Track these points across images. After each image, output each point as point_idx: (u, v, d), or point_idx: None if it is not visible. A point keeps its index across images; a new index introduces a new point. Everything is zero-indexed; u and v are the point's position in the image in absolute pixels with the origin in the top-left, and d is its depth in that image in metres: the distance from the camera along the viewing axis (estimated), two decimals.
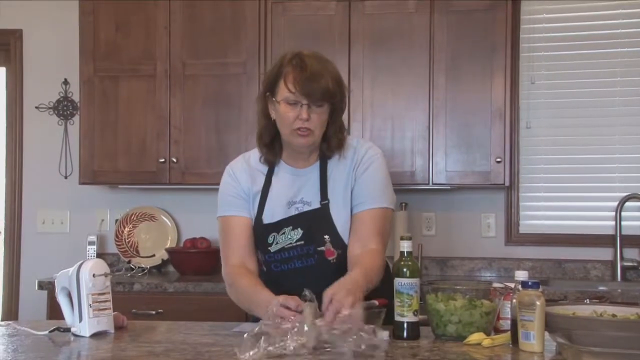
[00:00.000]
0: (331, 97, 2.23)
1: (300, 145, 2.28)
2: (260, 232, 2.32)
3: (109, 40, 4.02)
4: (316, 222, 2.27)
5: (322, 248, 2.25)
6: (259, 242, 2.31)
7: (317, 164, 2.34)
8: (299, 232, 2.27)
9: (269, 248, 2.29)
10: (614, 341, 1.73)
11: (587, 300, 3.08)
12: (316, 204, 2.29)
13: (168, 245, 4.27)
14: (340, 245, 2.26)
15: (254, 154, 2.41)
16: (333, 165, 2.34)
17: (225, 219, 2.38)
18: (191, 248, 4.09)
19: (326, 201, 2.29)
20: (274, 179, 2.36)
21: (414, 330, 2.04)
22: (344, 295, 1.94)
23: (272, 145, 2.35)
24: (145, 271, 4.07)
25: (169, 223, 4.33)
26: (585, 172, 4.04)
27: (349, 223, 2.29)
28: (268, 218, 2.32)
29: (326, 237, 2.26)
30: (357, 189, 2.31)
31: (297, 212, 2.30)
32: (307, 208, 2.29)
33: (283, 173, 2.36)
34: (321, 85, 2.20)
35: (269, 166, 2.37)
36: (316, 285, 2.04)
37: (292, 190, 2.33)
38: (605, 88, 4.03)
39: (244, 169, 2.39)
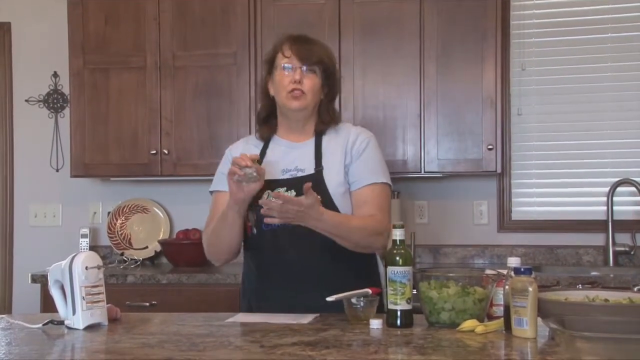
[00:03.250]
0: (323, 62, 2.43)
1: (294, 109, 2.41)
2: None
3: (99, 33, 4.00)
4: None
5: None
6: (252, 200, 2.36)
7: (312, 139, 2.47)
8: (292, 194, 2.33)
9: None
10: (606, 326, 1.73)
11: (580, 286, 3.11)
12: (310, 171, 2.40)
13: (161, 237, 4.26)
14: (331, 207, 2.33)
15: (254, 134, 2.58)
16: (328, 140, 2.47)
17: (213, 194, 2.57)
18: (184, 239, 4.09)
19: (320, 168, 2.40)
20: (268, 151, 2.49)
21: (407, 318, 2.04)
22: (295, 210, 2.16)
23: (267, 120, 2.52)
24: (138, 263, 4.08)
25: (161, 215, 4.32)
26: (576, 157, 4.05)
27: (341, 187, 2.39)
28: None
29: (317, 197, 2.30)
30: (356, 167, 2.42)
31: (291, 177, 2.40)
32: (301, 174, 2.40)
33: (278, 146, 2.50)
34: (313, 50, 2.43)
35: (265, 142, 2.52)
36: (304, 243, 2.29)
37: (287, 160, 2.45)
38: (595, 74, 4.03)
39: (240, 146, 2.57)
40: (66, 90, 4.30)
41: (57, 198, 4.41)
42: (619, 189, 3.91)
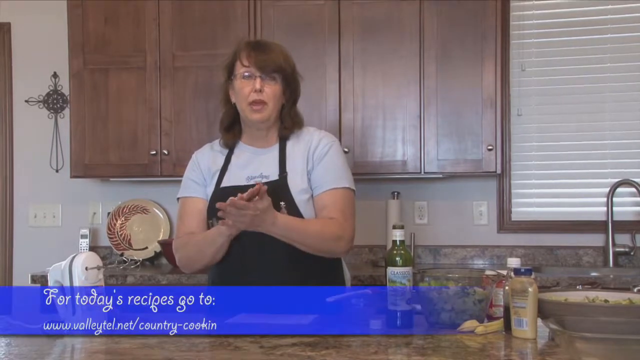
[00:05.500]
0: (282, 70, 2.41)
1: (256, 121, 2.42)
2: (219, 197, 2.36)
3: (98, 33, 4.00)
4: (274, 191, 2.32)
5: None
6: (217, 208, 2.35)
7: (277, 145, 2.47)
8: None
9: None
10: (606, 326, 1.74)
11: (580, 287, 3.10)
12: (275, 177, 2.40)
13: (160, 238, 4.26)
14: (295, 212, 2.34)
15: (218, 140, 2.56)
16: (291, 145, 2.46)
17: (181, 200, 2.54)
18: None
19: (285, 174, 2.39)
20: (233, 158, 2.49)
21: (407, 318, 2.04)
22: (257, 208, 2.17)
23: (231, 128, 2.51)
24: (138, 263, 4.08)
25: (161, 215, 4.32)
26: (576, 158, 4.05)
27: (305, 194, 2.39)
28: (227, 184, 2.44)
29: (282, 203, 2.33)
30: (317, 172, 2.41)
31: (256, 183, 2.35)
32: (265, 180, 2.38)
33: (243, 152, 2.49)
34: (272, 58, 2.40)
35: (229, 148, 2.51)
36: (269, 250, 2.28)
37: (252, 166, 2.44)
38: (595, 74, 4.03)
39: (206, 152, 2.55)
40: (66, 90, 4.30)
41: (57, 198, 4.41)
42: (619, 189, 3.91)
